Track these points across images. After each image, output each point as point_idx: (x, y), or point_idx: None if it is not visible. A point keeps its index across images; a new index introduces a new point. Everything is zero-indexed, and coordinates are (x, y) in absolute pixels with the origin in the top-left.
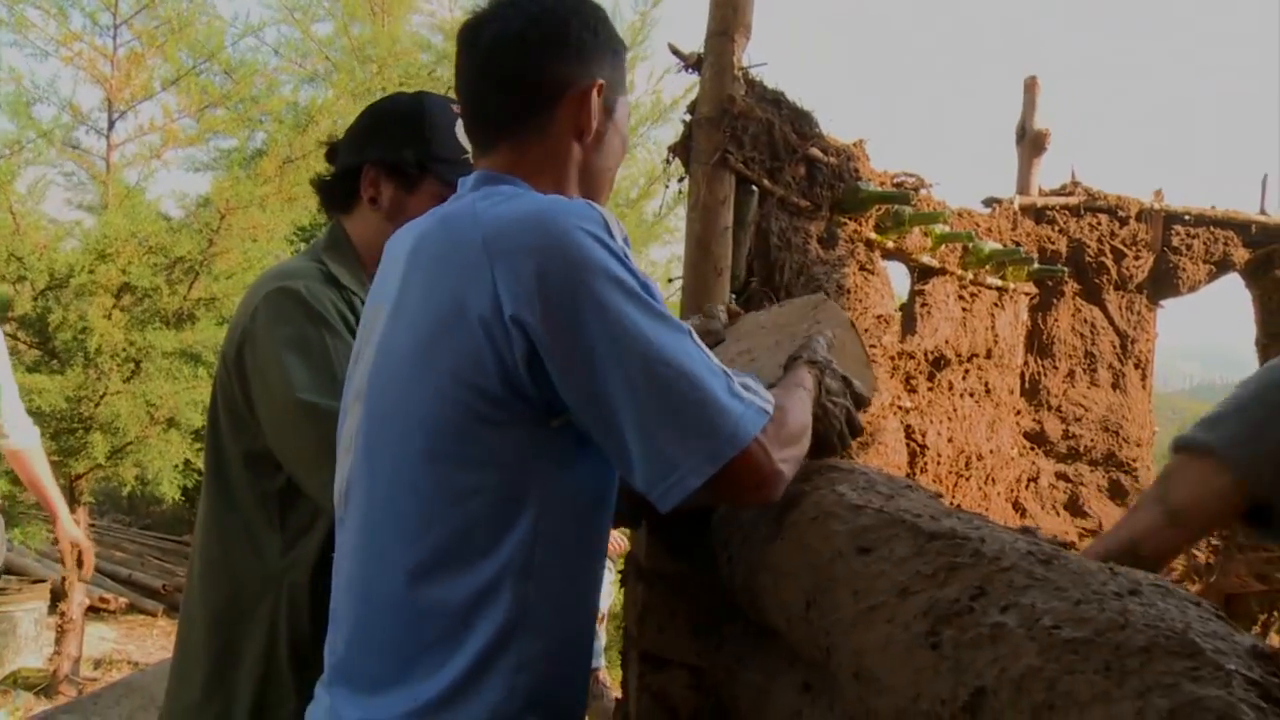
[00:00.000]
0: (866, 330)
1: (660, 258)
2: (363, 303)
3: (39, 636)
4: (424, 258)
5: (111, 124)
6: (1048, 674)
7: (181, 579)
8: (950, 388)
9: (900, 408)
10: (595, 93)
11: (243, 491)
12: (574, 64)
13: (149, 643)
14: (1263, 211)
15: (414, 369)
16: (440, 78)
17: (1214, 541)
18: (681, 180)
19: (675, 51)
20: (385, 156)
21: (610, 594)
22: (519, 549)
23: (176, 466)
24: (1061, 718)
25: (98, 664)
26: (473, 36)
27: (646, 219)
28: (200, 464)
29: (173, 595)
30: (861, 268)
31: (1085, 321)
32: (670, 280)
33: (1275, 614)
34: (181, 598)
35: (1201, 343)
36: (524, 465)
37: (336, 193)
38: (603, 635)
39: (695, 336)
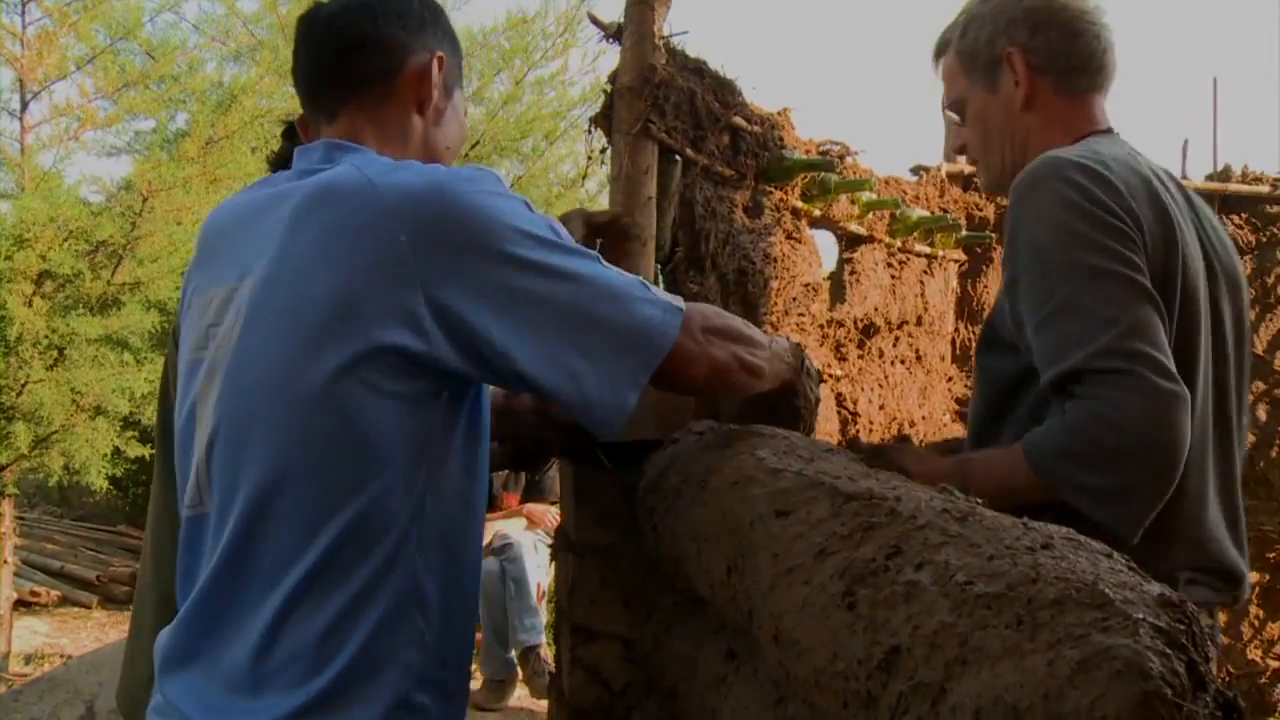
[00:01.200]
0: (795, 299)
1: None
2: None
3: None
4: (312, 229)
5: (24, 105)
6: (960, 630)
7: (116, 569)
8: (881, 355)
9: (830, 376)
10: (436, 65)
11: None
12: (416, 34)
13: (83, 635)
14: (1184, 176)
15: (307, 344)
16: None
17: None
18: (604, 152)
19: (595, 21)
20: None
21: (549, 570)
22: (412, 523)
23: (105, 455)
24: (974, 673)
25: (29, 659)
26: (314, 10)
27: (582, 200)
28: (131, 451)
29: (107, 586)
30: (788, 236)
31: None
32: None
33: None
34: (135, 582)
35: None
36: (421, 439)
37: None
38: (543, 613)
39: (601, 259)
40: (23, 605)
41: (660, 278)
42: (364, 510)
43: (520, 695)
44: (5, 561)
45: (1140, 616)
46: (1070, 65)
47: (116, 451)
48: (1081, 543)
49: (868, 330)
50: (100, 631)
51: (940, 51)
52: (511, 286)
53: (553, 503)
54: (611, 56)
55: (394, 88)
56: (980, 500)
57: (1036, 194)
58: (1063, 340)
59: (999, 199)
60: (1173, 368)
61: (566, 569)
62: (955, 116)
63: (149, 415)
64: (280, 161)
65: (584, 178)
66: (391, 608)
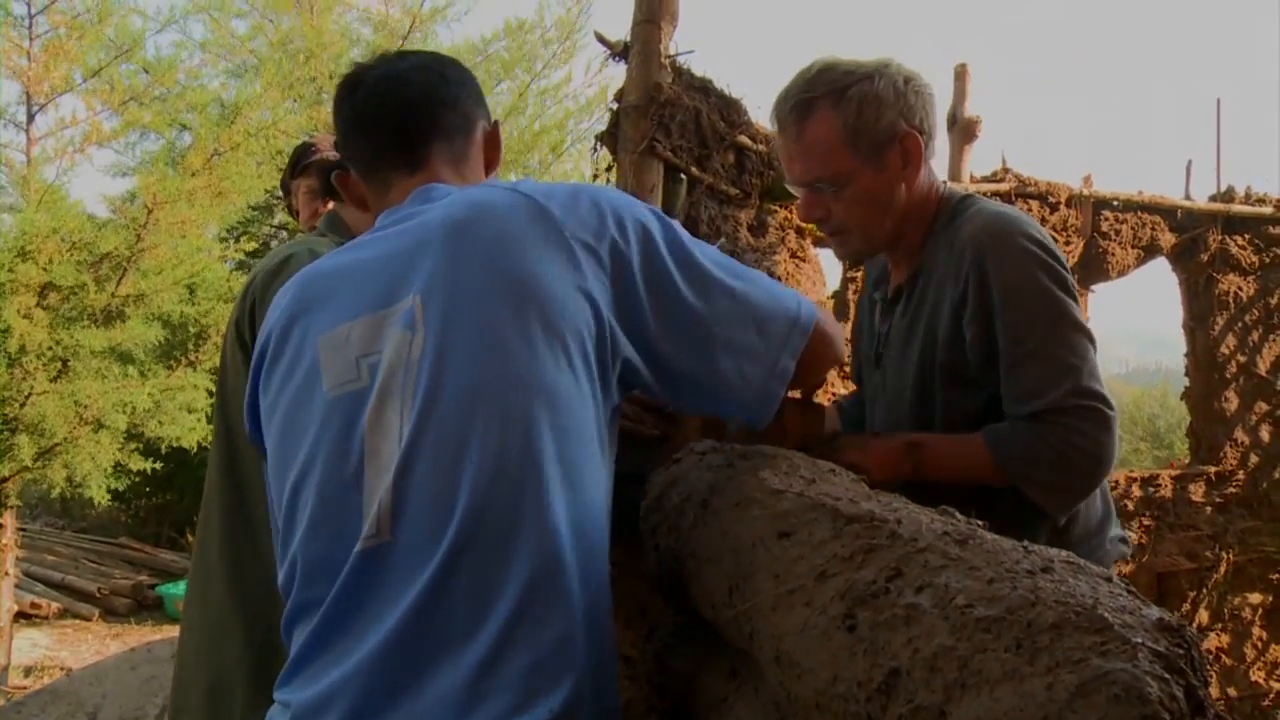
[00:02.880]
0: None
1: None
2: None
3: None
4: (476, 245)
5: (30, 118)
6: (960, 653)
7: (118, 581)
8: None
9: (834, 394)
10: (496, 131)
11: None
12: (477, 103)
13: (83, 648)
14: (1187, 197)
15: (526, 350)
16: None
17: (1146, 521)
18: (609, 170)
19: (601, 40)
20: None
21: None
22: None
23: (106, 470)
24: (973, 696)
25: (28, 671)
26: (379, 70)
27: None
28: (133, 465)
29: (108, 599)
30: (793, 255)
31: None
32: None
33: (1204, 591)
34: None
35: (1138, 326)
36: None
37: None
38: None
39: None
40: (23, 617)
41: None
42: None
43: None
44: (6, 573)
45: (1139, 641)
46: (932, 136)
47: (117, 465)
48: (1081, 566)
49: None
50: (100, 644)
51: (800, 112)
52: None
53: None
54: (617, 69)
55: (469, 145)
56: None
57: (1006, 249)
58: (1039, 381)
59: None
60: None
61: None
62: (825, 188)
63: (151, 429)
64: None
65: None
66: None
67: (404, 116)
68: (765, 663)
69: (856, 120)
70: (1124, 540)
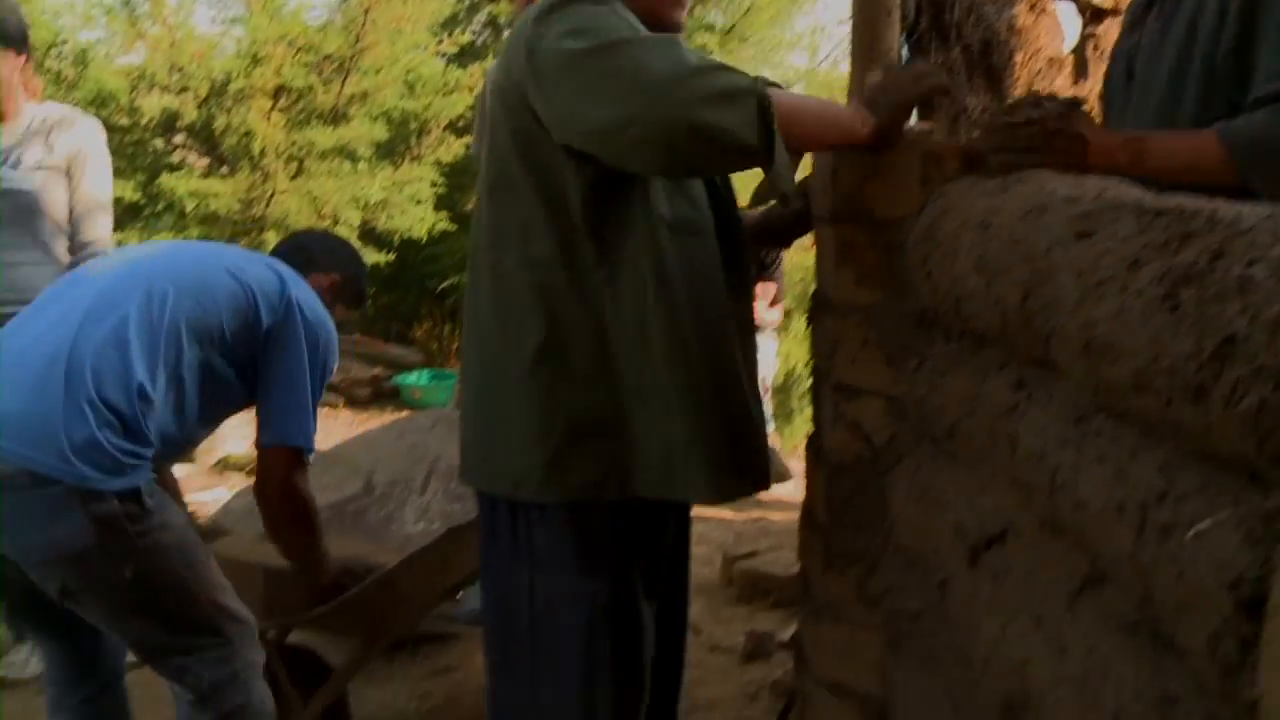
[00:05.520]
0: (1039, 72)
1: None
2: None
3: (240, 426)
4: None
5: None
6: None
7: (356, 374)
8: None
9: None
10: None
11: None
12: None
13: (334, 433)
14: None
15: None
16: None
17: None
18: None
19: None
20: None
21: (774, 365)
22: None
23: None
24: None
25: None
26: None
27: None
28: (368, 259)
29: (350, 390)
30: (1031, 7)
31: None
32: (840, 23)
33: None
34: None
35: None
36: None
37: None
38: (769, 405)
39: None
40: None
41: (904, 48)
42: None
43: None
44: None
45: None
46: None
47: None
48: None
49: None
50: (348, 429)
51: None
52: None
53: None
54: None
55: None
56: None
57: None
58: None
59: None
60: None
61: (827, 329)
62: None
63: (382, 223)
64: None
65: None
66: None
67: None
68: (1068, 359)
69: None
70: None
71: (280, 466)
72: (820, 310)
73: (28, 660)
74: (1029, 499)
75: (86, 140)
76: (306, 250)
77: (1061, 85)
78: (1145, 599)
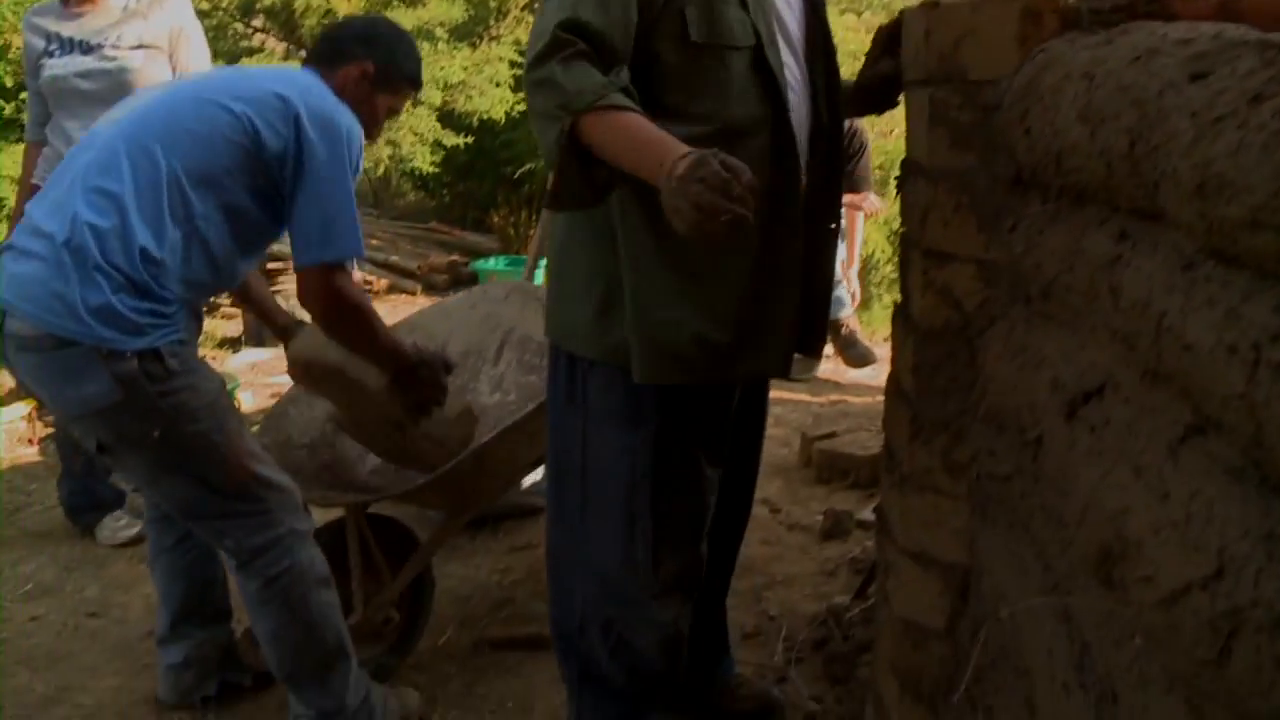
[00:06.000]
0: None
1: None
2: None
3: None
4: None
5: None
6: None
7: (434, 260)
8: None
9: None
10: None
11: None
12: None
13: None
14: None
15: None
16: None
17: None
18: None
19: None
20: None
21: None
22: None
23: (429, 144)
24: None
25: None
26: None
27: None
28: (447, 141)
29: (428, 275)
30: None
31: None
32: None
33: None
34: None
35: None
36: None
37: None
38: (854, 282)
39: None
40: None
41: None
42: None
43: (825, 368)
44: None
45: None
46: None
47: (436, 143)
48: None
49: None
50: None
51: None
52: None
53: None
54: None
55: None
56: None
57: None
58: None
59: None
60: None
61: (917, 195)
62: None
63: (461, 104)
64: None
65: None
66: None
67: None
68: (1178, 202)
69: None
70: None
71: (315, 283)
72: (910, 176)
73: (120, 528)
74: (1130, 350)
75: (183, 17)
76: (335, 41)
77: None
78: (1254, 441)
